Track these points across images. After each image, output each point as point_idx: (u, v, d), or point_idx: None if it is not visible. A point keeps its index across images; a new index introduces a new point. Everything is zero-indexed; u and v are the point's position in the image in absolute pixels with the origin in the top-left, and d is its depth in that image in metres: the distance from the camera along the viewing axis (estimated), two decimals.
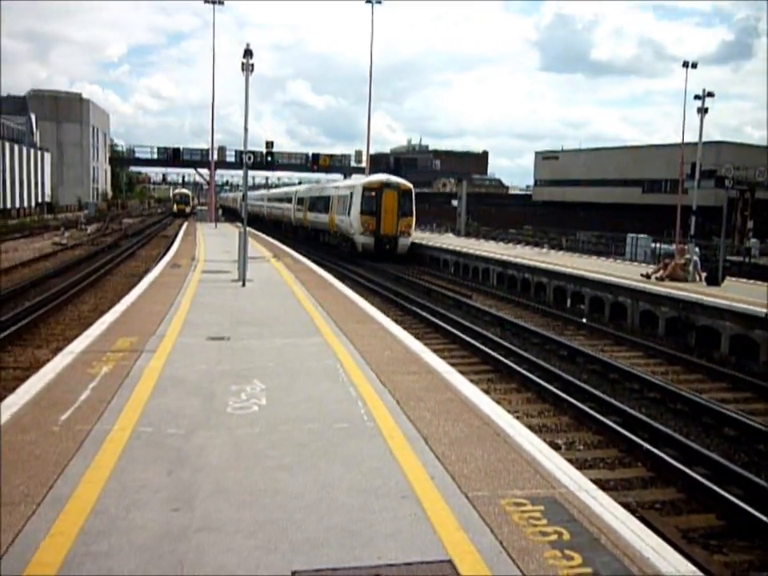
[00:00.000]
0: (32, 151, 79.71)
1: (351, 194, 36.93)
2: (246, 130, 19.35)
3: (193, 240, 34.92)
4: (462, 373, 9.30)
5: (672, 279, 20.66)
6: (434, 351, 10.73)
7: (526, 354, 14.02)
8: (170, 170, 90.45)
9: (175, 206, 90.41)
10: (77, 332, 12.59)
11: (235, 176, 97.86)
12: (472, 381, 9.09)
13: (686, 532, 6.78)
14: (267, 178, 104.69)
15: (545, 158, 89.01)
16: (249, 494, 4.96)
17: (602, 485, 6.22)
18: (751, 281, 23.52)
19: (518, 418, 8.22)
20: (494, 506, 4.82)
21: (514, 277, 26.65)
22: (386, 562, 4.09)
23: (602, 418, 9.90)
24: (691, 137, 45.34)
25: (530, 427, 7.52)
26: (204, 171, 69.95)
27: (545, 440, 6.84)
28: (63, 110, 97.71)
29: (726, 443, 9.75)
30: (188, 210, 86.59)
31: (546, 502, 4.91)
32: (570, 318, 19.57)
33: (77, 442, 5.82)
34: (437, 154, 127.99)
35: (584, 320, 19.24)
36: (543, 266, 25.09)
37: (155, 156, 72.18)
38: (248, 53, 18.62)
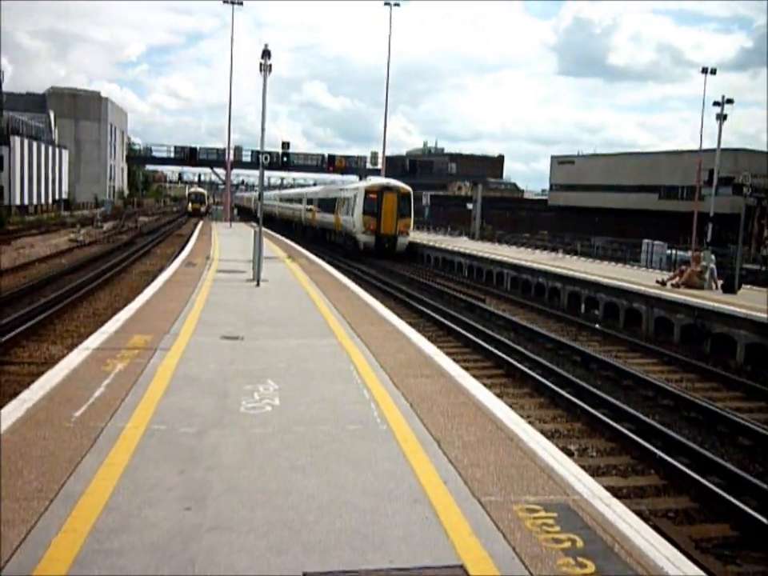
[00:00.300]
0: (50, 148, 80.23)
1: (355, 196, 39.70)
2: (263, 130, 19.41)
3: (208, 239, 35.04)
4: (475, 377, 9.27)
5: (688, 286, 20.51)
6: (448, 354, 10.70)
7: (539, 359, 13.96)
8: (186, 168, 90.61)
9: (190, 205, 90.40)
10: (91, 329, 12.65)
11: (251, 176, 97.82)
12: (485, 385, 9.05)
13: (699, 541, 6.73)
14: (282, 179, 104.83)
15: (560, 162, 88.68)
16: (261, 493, 4.95)
17: (614, 492, 6.17)
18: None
19: (530, 423, 8.19)
20: (506, 512, 4.78)
21: (528, 281, 26.56)
22: (398, 565, 4.07)
23: (615, 424, 9.84)
24: (708, 143, 45.10)
25: (543, 432, 7.47)
26: (220, 171, 70.25)
27: (557, 445, 6.80)
28: (82, 108, 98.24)
29: (741, 452, 9.67)
30: (203, 209, 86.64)
31: (560, 509, 4.87)
32: (584, 324, 19.48)
33: (90, 439, 5.84)
34: (452, 157, 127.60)
35: (597, 326, 19.14)
36: (558, 270, 24.98)
37: (172, 155, 72.45)
38: (266, 53, 18.71)
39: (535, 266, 26.86)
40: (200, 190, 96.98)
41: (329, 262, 26.92)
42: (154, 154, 76.01)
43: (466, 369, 9.97)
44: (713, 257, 22.92)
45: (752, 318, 15.51)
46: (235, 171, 75.81)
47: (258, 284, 16.95)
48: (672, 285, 20.73)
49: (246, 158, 72.40)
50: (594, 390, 11.79)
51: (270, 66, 18.84)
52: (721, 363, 15.30)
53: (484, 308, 21.58)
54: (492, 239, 54.34)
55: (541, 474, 5.52)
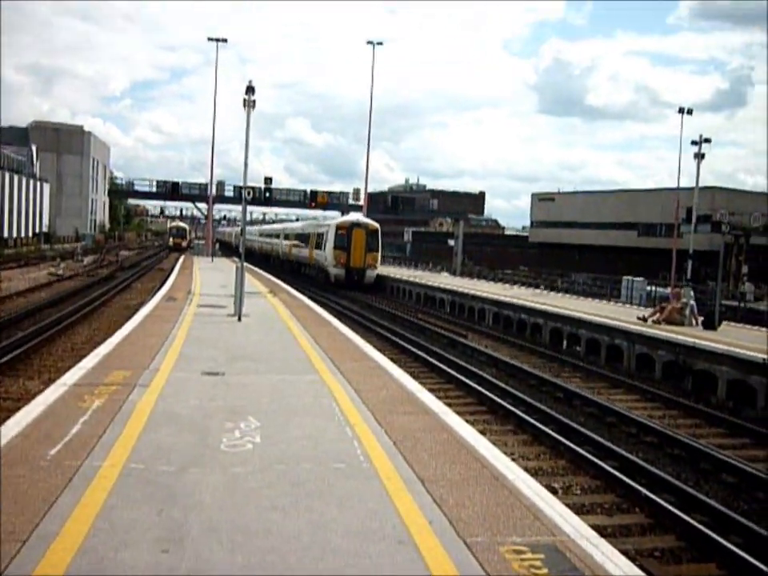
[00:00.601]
0: (31, 181, 79.98)
1: (327, 232, 42.26)
2: (246, 165, 19.46)
3: (189, 273, 34.89)
4: (458, 413, 9.19)
5: (668, 323, 20.61)
6: (430, 391, 10.63)
7: (522, 396, 13.90)
8: (168, 203, 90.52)
9: (172, 240, 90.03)
10: (70, 363, 12.48)
11: (233, 210, 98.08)
12: (468, 422, 8.98)
13: None
14: (264, 214, 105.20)
15: (541, 199, 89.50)
16: (241, 534, 4.83)
17: (600, 531, 6.09)
18: (747, 325, 23.52)
19: (514, 460, 8.10)
20: (493, 554, 4.69)
21: (509, 317, 26.59)
22: None
23: (599, 462, 9.78)
24: (686, 182, 45.81)
25: (527, 470, 7.39)
26: (202, 205, 70.30)
27: (541, 483, 6.72)
28: (64, 142, 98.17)
29: (725, 490, 9.63)
30: (184, 243, 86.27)
31: (547, 550, 4.78)
32: (566, 360, 19.48)
33: (66, 478, 5.69)
34: (434, 193, 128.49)
35: (581, 363, 19.14)
36: (539, 306, 25.05)
37: (154, 189, 72.58)
38: (250, 89, 18.79)
39: (516, 301, 26.92)
40: (182, 224, 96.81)
41: (310, 297, 26.87)
42: (137, 188, 76.15)
43: (449, 405, 9.88)
44: (692, 293, 23.12)
45: (733, 354, 15.57)
46: (217, 206, 75.93)
47: (239, 319, 16.83)
48: (653, 321, 20.83)
49: (229, 192, 72.60)
50: (578, 427, 11.73)
51: (254, 101, 18.94)
52: (703, 399, 15.32)
53: (466, 344, 21.55)
54: (473, 275, 54.54)
55: (527, 514, 5.43)
